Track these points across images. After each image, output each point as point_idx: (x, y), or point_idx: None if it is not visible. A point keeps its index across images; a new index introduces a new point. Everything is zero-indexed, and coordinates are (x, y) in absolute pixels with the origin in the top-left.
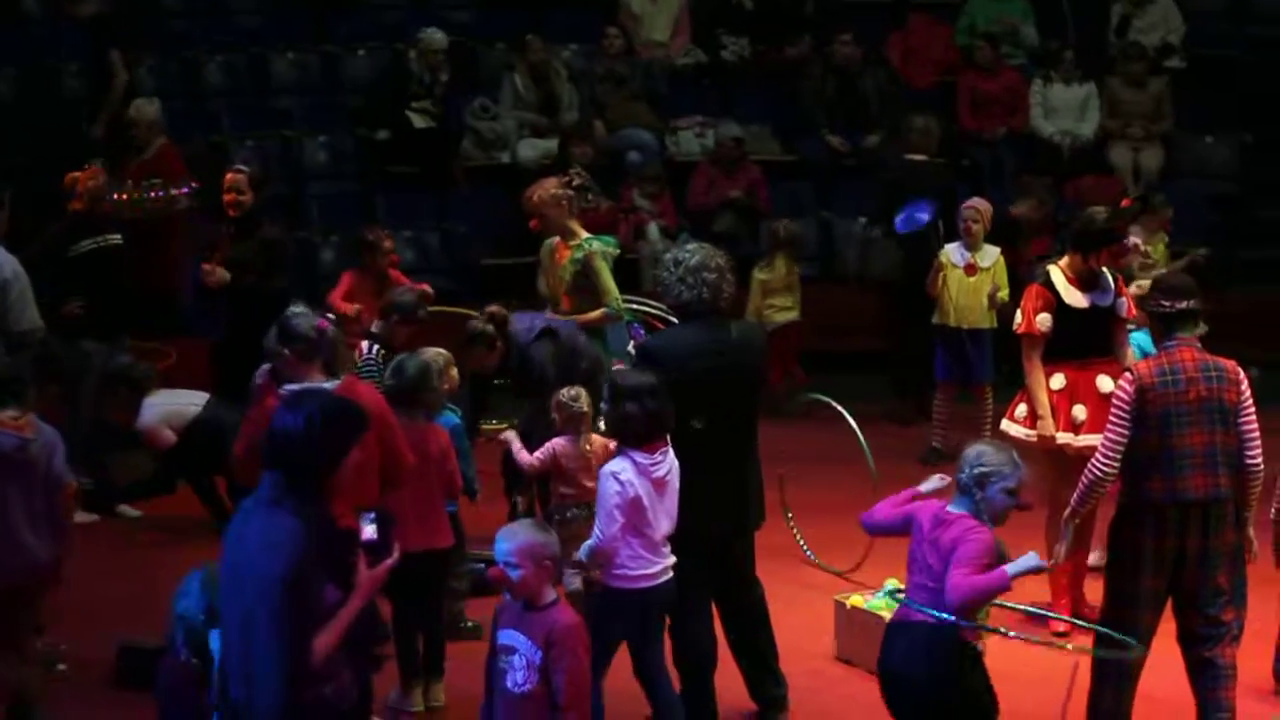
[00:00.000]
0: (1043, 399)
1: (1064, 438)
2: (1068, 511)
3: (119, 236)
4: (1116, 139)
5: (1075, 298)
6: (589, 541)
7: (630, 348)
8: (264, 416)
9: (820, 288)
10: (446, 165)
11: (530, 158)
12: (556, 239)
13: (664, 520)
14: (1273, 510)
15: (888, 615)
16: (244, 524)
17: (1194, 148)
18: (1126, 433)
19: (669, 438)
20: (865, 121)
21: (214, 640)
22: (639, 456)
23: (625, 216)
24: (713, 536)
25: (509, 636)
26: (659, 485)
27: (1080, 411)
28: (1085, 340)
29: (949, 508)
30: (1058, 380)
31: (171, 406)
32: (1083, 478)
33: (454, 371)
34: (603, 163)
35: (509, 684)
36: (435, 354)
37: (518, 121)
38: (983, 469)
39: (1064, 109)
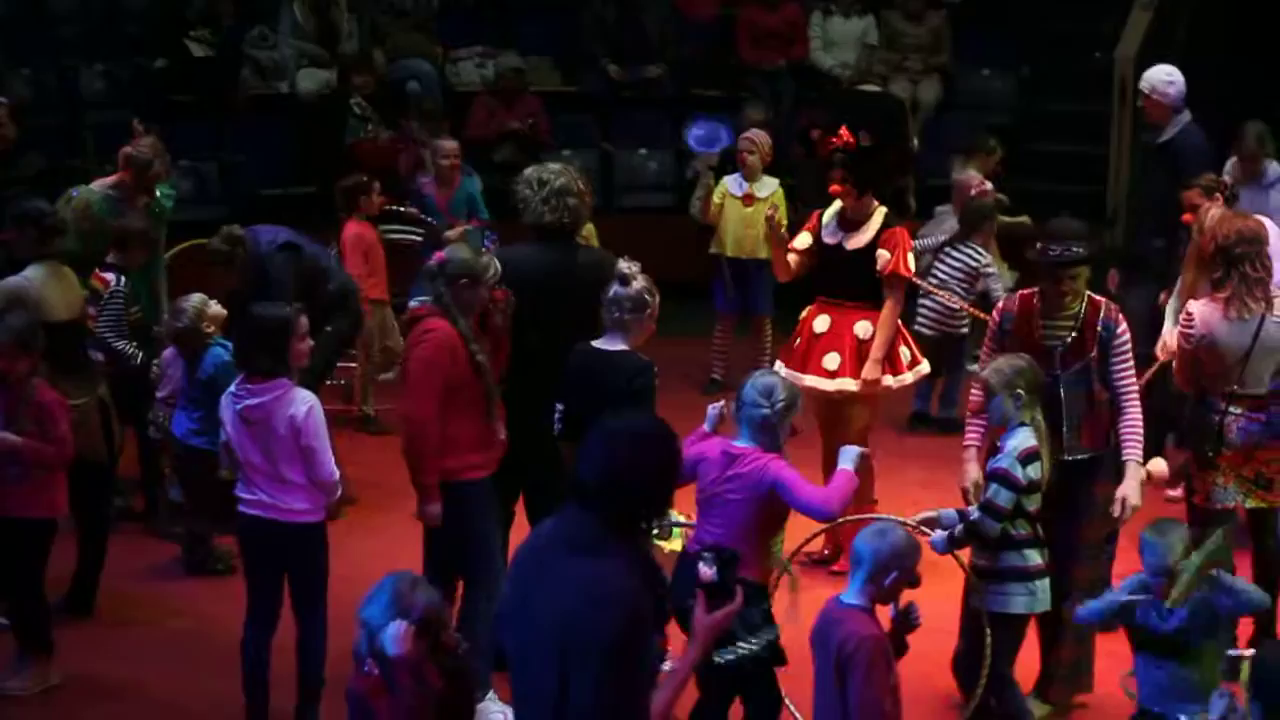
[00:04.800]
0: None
1: (812, 380)
2: None
3: None
4: (895, 72)
5: (831, 234)
6: None
7: None
8: None
9: (599, 220)
10: (225, 95)
11: (309, 88)
12: (106, 184)
13: (250, 456)
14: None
15: (667, 547)
16: (540, 565)
17: (971, 81)
18: None
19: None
20: (646, 54)
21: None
22: (236, 384)
23: (404, 147)
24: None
25: None
26: (241, 418)
27: (832, 361)
28: (837, 281)
29: (737, 442)
30: (822, 322)
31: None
32: None
33: (213, 308)
34: (382, 94)
35: None
36: (199, 299)
37: (297, 51)
38: (783, 402)
39: (843, 42)
